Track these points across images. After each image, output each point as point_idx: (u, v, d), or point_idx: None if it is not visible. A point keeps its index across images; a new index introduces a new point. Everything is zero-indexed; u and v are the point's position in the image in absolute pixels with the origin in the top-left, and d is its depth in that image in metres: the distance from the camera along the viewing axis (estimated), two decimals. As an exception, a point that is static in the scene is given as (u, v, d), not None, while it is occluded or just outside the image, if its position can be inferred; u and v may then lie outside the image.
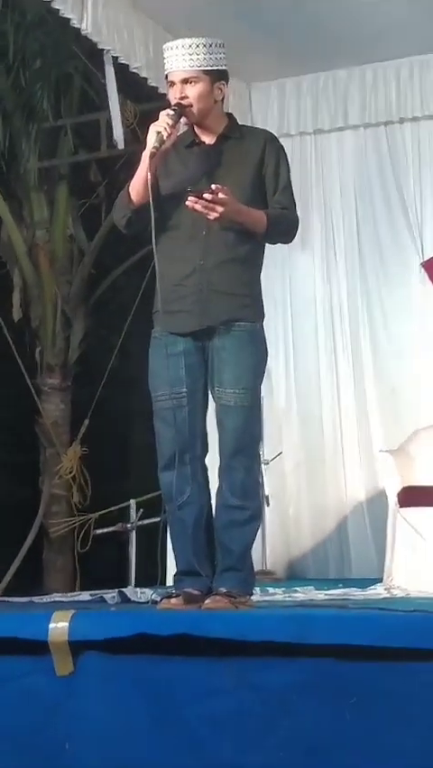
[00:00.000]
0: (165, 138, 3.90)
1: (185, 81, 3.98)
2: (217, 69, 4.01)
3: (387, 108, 6.95)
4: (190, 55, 3.95)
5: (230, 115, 4.22)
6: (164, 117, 3.93)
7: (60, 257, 8.88)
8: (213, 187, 3.80)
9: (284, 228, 4.11)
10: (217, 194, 3.79)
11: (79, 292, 8.96)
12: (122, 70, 6.14)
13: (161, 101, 4.34)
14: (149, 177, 3.89)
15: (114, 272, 9.20)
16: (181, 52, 3.96)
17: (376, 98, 6.97)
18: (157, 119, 3.95)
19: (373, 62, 6.93)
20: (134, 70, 6.11)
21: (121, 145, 6.35)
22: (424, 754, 2.80)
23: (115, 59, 5.99)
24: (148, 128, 3.97)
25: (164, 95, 4.11)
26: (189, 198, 3.81)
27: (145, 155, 3.92)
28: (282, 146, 4.20)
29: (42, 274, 8.77)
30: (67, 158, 8.77)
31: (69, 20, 5.63)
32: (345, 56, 6.84)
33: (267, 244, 4.18)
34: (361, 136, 7.13)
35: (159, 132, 3.89)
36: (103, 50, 5.94)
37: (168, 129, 3.90)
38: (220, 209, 3.81)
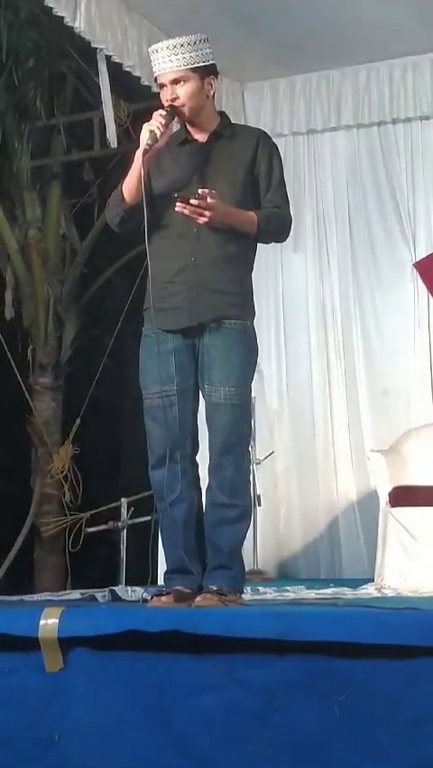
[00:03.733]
0: (158, 136, 3.90)
1: (175, 82, 3.98)
2: (205, 65, 4.00)
3: (380, 109, 6.97)
4: (176, 55, 3.94)
5: (223, 114, 4.22)
6: (157, 117, 3.93)
7: (53, 256, 8.88)
8: (200, 191, 3.80)
9: (276, 227, 4.10)
10: (205, 198, 3.79)
11: (72, 291, 8.96)
12: (115, 69, 6.14)
13: (154, 100, 4.33)
14: (142, 174, 3.89)
15: (106, 272, 9.20)
16: (167, 53, 3.95)
17: (369, 99, 6.99)
18: (150, 118, 3.95)
19: (367, 63, 6.94)
20: (128, 69, 6.12)
21: (114, 144, 6.33)
22: (413, 751, 2.80)
23: (108, 57, 5.99)
24: (141, 127, 3.97)
25: (157, 94, 4.10)
26: (177, 204, 3.82)
27: (138, 153, 3.92)
28: (275, 144, 4.19)
29: (35, 273, 8.77)
30: (60, 157, 8.77)
31: (62, 18, 5.63)
32: (339, 56, 6.85)
33: (259, 244, 4.18)
34: (354, 136, 7.14)
35: (152, 131, 3.89)
36: (96, 48, 5.94)
37: (161, 128, 3.91)
38: (208, 213, 3.81)
